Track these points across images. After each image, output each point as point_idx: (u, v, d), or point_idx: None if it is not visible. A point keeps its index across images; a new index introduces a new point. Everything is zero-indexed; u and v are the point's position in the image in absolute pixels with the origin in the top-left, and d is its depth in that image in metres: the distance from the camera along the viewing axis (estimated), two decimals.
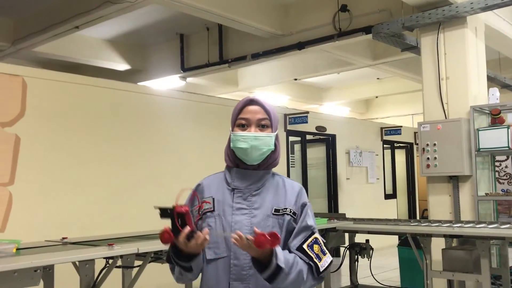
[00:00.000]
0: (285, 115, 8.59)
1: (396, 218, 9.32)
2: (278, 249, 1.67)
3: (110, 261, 3.49)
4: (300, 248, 1.79)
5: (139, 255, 3.52)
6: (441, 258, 4.73)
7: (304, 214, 1.86)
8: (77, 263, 3.40)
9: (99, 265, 3.53)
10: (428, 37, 5.73)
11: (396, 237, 6.37)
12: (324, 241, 1.87)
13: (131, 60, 9.24)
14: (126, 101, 6.47)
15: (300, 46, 7.15)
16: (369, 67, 9.25)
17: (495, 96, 5.57)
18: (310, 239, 1.82)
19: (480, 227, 4.52)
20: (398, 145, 12.00)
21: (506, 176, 12.30)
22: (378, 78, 11.96)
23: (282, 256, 1.67)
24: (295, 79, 10.45)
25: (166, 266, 3.97)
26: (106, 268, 3.51)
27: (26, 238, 3.99)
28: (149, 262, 3.69)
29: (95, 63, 9.02)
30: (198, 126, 7.27)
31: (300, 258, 1.77)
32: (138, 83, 8.94)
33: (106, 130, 6.14)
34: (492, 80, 7.95)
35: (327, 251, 1.85)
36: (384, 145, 11.30)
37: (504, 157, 11.58)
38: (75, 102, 5.90)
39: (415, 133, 11.64)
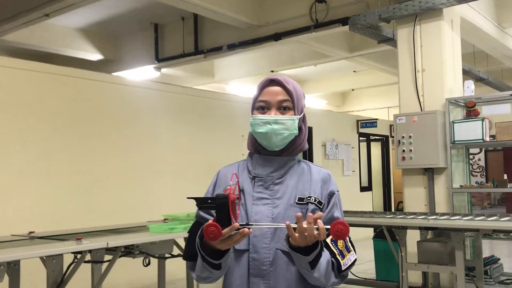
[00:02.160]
0: None
1: (371, 210, 9.36)
2: None
3: (79, 256, 3.38)
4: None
5: (108, 250, 3.42)
6: (416, 250, 4.73)
7: (331, 204, 1.70)
8: (44, 258, 3.29)
9: (68, 260, 3.42)
10: (405, 29, 5.71)
11: (372, 229, 6.37)
12: (350, 236, 1.65)
13: (104, 50, 9.05)
14: (99, 91, 6.31)
15: (276, 37, 7.08)
16: (345, 60, 9.24)
17: (470, 88, 5.58)
18: None
19: (455, 219, 4.52)
20: (374, 137, 12.07)
21: (479, 169, 12.51)
22: (354, 71, 11.98)
23: None
24: (272, 71, 10.38)
25: (137, 260, 3.91)
26: (75, 263, 3.40)
27: None
28: (119, 256, 3.60)
29: (67, 52, 8.80)
30: (173, 118, 7.15)
31: None
32: (112, 74, 8.75)
33: (77, 122, 5.98)
34: (467, 73, 8.00)
35: (352, 248, 1.68)
36: (360, 138, 11.34)
37: (477, 150, 11.76)
38: (44, 92, 5.73)
39: (390, 125, 11.72)
